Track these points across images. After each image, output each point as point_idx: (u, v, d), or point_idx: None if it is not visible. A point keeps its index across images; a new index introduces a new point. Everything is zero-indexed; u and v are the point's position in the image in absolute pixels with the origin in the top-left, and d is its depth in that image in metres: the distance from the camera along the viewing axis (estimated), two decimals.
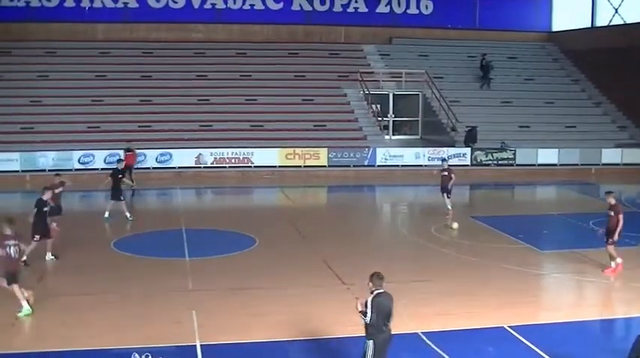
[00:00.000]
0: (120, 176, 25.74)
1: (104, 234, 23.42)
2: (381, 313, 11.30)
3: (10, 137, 36.30)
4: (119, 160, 28.20)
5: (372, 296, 11.35)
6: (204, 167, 36.13)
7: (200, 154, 36.07)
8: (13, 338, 14.26)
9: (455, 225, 24.31)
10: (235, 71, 42.80)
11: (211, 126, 38.27)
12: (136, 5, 45.84)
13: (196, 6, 46.33)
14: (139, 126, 37.64)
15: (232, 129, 38.09)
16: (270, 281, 18.15)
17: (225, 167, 36.23)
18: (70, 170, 34.46)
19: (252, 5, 46.77)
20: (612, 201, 19.36)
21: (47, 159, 34.86)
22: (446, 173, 27.18)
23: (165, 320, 15.10)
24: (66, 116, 38.18)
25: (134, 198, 30.74)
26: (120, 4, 45.76)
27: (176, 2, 46.15)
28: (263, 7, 46.88)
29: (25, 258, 18.24)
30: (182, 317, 15.12)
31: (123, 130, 37.14)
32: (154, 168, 35.70)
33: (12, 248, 15.24)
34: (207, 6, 46.45)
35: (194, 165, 36.08)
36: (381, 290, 11.45)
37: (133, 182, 31.30)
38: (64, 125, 37.56)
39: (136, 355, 12.42)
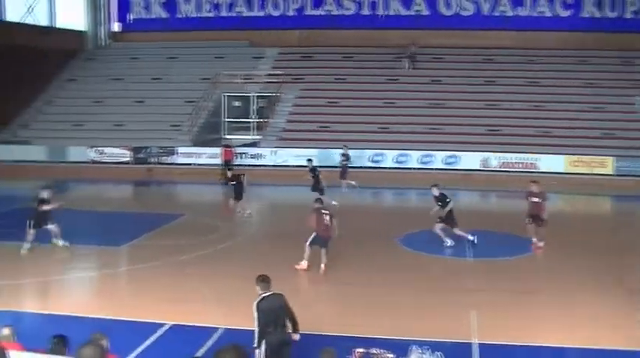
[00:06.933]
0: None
1: (389, 229, 24.16)
2: (269, 316, 11.26)
3: (308, 135, 39.05)
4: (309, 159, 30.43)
5: (258, 300, 11.36)
6: (489, 170, 36.70)
7: (486, 158, 36.81)
8: (301, 318, 15.39)
9: None
10: (523, 77, 42.76)
11: (499, 130, 38.66)
12: (427, 13, 47.36)
13: (485, 13, 47.00)
14: (429, 129, 38.94)
15: (519, 135, 38.18)
16: (551, 285, 18.15)
17: (510, 171, 36.51)
18: (362, 167, 36.59)
19: (541, 12, 46.55)
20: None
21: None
22: None
23: (444, 317, 15.50)
24: (359, 117, 40.30)
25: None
26: (412, 12, 47.49)
27: (467, 9, 47.15)
28: (551, 15, 46.52)
29: None
30: (461, 315, 15.36)
31: (412, 132, 38.78)
32: (440, 169, 36.91)
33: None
34: (496, 13, 46.89)
35: (480, 168, 36.71)
36: (268, 293, 11.45)
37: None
38: (357, 125, 39.68)
39: (414, 347, 12.49)
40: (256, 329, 11.32)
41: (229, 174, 27.35)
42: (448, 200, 21.98)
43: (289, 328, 11.69)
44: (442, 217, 21.91)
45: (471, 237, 21.83)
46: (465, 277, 19.14)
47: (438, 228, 21.93)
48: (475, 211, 30.52)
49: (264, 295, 11.48)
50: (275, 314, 11.42)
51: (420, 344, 12.72)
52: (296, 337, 11.79)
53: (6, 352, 4.81)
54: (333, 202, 27.06)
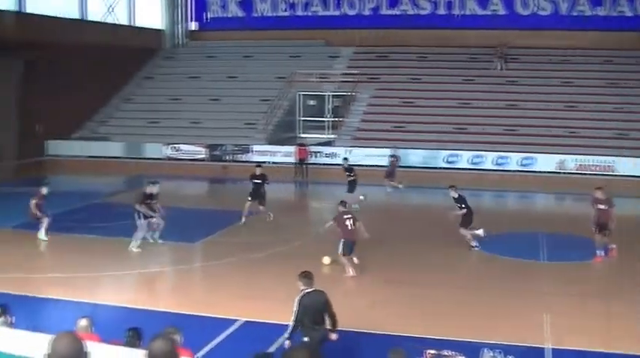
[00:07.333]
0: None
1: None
2: (308, 311, 11.49)
3: (382, 134, 38.88)
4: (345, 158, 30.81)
5: (300, 295, 11.59)
6: (566, 172, 35.96)
7: (563, 161, 36.19)
8: (370, 318, 15.30)
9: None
10: (600, 78, 41.71)
11: (576, 132, 37.73)
12: (504, 13, 46.80)
13: (563, 12, 46.16)
14: (504, 130, 38.39)
15: (596, 137, 37.30)
16: (624, 290, 17.82)
17: (587, 174, 35.47)
18: (436, 168, 36.41)
19: (621, 12, 45.37)
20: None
21: (416, 157, 36.92)
22: None
23: (516, 320, 15.40)
24: (435, 117, 39.98)
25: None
26: (489, 12, 47.02)
27: (544, 9, 46.47)
28: (632, 14, 45.18)
29: None
30: (534, 319, 15.27)
31: (488, 133, 38.32)
32: (515, 170, 36.44)
33: None
34: (575, 13, 45.96)
35: (556, 170, 36.01)
36: (310, 290, 11.63)
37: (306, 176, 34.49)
38: (432, 125, 39.39)
39: (486, 350, 12.65)
40: (292, 323, 11.61)
41: (258, 171, 25.81)
42: (461, 205, 21.70)
43: (326, 325, 11.87)
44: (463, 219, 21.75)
45: (473, 243, 21.61)
46: (538, 280, 18.86)
47: (464, 231, 21.73)
48: (550, 213, 30.20)
49: (306, 291, 11.69)
50: (314, 311, 11.64)
51: (492, 347, 12.88)
52: (333, 336, 11.94)
53: (83, 342, 4.92)
54: (361, 197, 27.11)
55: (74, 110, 40.98)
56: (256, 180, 25.48)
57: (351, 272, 18.85)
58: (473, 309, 16.28)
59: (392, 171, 32.33)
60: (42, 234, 22.23)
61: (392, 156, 33.10)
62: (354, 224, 18.96)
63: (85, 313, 10.72)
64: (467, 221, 21.63)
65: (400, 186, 32.06)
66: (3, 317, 10.35)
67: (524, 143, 37.22)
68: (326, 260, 19.52)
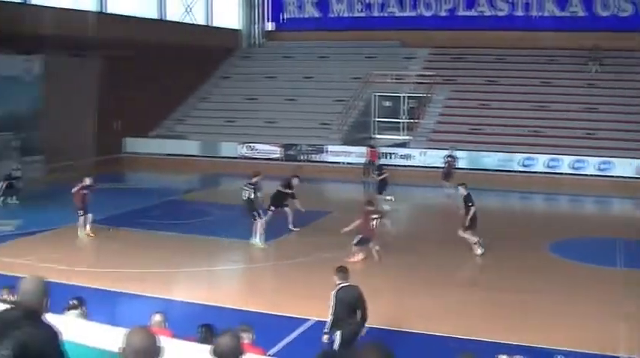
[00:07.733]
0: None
1: (539, 235, 23.39)
2: (344, 305, 11.78)
3: (458, 136, 38.53)
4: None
5: (336, 289, 11.93)
6: None
7: None
8: (440, 321, 15.38)
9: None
10: None
11: None
12: (583, 14, 45.93)
13: None
14: (584, 133, 37.55)
15: None
16: None
17: None
18: (511, 171, 35.98)
19: None
20: None
21: (491, 160, 36.55)
22: None
23: (591, 327, 15.05)
24: (511, 119, 39.52)
25: None
26: (567, 13, 46.20)
27: (624, 10, 45.44)
28: None
29: None
30: (609, 327, 14.97)
31: (566, 136, 37.51)
32: (592, 175, 35.69)
33: None
34: None
35: (635, 175, 34.66)
36: (346, 284, 11.98)
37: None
38: (508, 128, 38.94)
39: (559, 357, 12.48)
40: (330, 316, 11.93)
41: (295, 182, 24.03)
42: (470, 204, 21.09)
43: (357, 318, 12.12)
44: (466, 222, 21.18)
45: (479, 250, 20.95)
46: (614, 287, 18.40)
47: (467, 233, 21.15)
48: (628, 219, 29.53)
49: (342, 285, 12.05)
50: (348, 304, 11.93)
51: (566, 354, 12.75)
52: (362, 331, 12.16)
53: (157, 337, 5.00)
54: (388, 197, 27.16)
55: (151, 108, 41.65)
56: (289, 190, 23.95)
57: (360, 257, 19.94)
58: (545, 315, 16.06)
59: (448, 171, 31.90)
60: (81, 231, 22.45)
61: (449, 156, 32.70)
62: (376, 224, 20.09)
63: (159, 308, 10.90)
64: (472, 223, 21.08)
65: (446, 190, 31.53)
66: (79, 309, 10.59)
67: (602, 147, 36.35)
68: (358, 256, 19.98)
